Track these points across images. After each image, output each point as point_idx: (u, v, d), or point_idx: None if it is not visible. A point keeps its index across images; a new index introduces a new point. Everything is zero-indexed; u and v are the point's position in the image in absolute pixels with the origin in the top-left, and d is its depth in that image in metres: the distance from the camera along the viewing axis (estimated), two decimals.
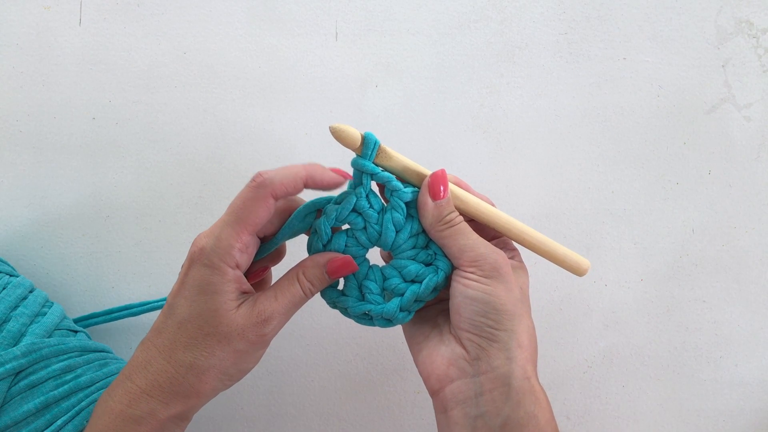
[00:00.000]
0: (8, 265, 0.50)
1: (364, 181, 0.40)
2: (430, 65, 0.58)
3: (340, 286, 0.42)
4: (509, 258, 0.43)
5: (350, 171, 0.41)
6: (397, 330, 0.45)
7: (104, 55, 0.55)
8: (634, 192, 0.60)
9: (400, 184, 0.40)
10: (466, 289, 0.38)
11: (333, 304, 0.42)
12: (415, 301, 0.41)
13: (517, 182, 0.59)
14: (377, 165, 0.40)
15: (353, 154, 0.40)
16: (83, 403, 0.43)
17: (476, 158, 0.58)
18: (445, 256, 0.40)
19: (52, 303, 0.48)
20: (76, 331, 0.48)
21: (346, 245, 0.41)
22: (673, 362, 0.60)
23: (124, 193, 0.55)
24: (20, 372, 0.43)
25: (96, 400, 0.42)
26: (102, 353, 0.48)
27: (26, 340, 0.44)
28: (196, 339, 0.36)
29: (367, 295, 0.41)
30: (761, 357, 0.61)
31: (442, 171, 0.40)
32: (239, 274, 0.37)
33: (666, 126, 0.60)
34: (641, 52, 0.60)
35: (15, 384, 0.42)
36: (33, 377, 0.43)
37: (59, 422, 0.42)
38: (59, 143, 0.55)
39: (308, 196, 0.41)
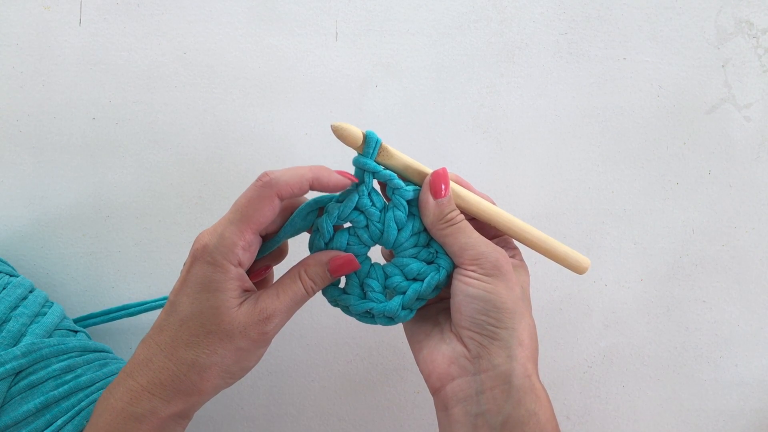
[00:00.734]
0: (8, 265, 0.50)
1: (366, 180, 0.40)
2: (430, 65, 0.58)
3: (342, 285, 0.42)
4: (510, 256, 0.43)
5: (353, 172, 0.41)
6: (398, 330, 0.45)
7: (104, 55, 0.55)
8: (634, 192, 0.60)
9: (401, 182, 0.40)
10: (467, 287, 0.38)
11: (334, 303, 0.42)
12: (417, 299, 0.41)
13: (517, 182, 0.59)
14: (379, 163, 0.40)
15: (353, 154, 0.40)
16: (83, 403, 0.43)
17: (476, 158, 0.58)
18: (447, 255, 0.41)
19: (52, 303, 0.48)
20: (76, 331, 0.48)
21: (348, 243, 0.41)
22: (673, 362, 0.60)
23: (124, 193, 0.55)
24: (20, 372, 0.43)
25: (96, 400, 0.42)
26: (102, 353, 0.48)
27: (26, 340, 0.44)
28: (197, 337, 0.36)
29: (368, 293, 0.41)
30: (761, 357, 0.61)
31: (444, 169, 0.40)
32: (241, 272, 0.37)
33: (666, 126, 0.60)
34: (641, 52, 0.60)
35: (15, 384, 0.42)
36: (33, 377, 0.43)
37: (59, 422, 0.42)
38: (59, 143, 0.55)
39: (310, 194, 0.41)
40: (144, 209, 0.55)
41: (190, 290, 0.37)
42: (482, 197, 0.42)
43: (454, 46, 0.58)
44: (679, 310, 0.60)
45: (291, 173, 0.37)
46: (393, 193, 0.40)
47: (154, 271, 0.56)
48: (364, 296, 0.41)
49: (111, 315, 0.53)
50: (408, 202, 0.41)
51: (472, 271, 0.39)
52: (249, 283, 0.38)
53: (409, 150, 0.44)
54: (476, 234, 0.40)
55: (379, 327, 0.56)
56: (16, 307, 0.46)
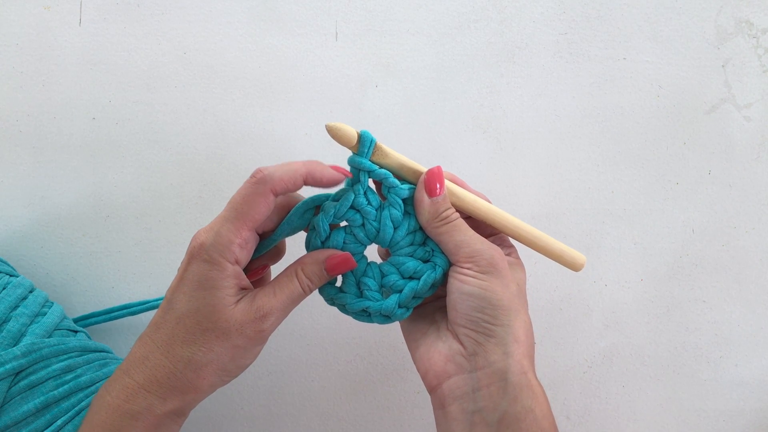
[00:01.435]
0: (8, 265, 0.50)
1: (362, 179, 0.40)
2: (430, 65, 0.58)
3: (338, 283, 0.42)
4: (506, 254, 0.43)
5: (349, 169, 0.41)
6: (397, 330, 0.45)
7: (104, 55, 0.55)
8: (634, 192, 0.60)
9: (397, 181, 0.40)
10: (462, 284, 0.38)
11: (331, 301, 0.42)
12: (413, 297, 0.41)
13: (517, 182, 0.59)
14: (374, 163, 0.40)
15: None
16: (83, 403, 0.43)
17: (476, 158, 0.58)
18: (442, 253, 0.41)
19: (52, 303, 0.48)
20: (76, 331, 0.48)
21: (344, 242, 0.41)
22: (673, 362, 0.60)
23: (124, 193, 0.55)
24: (20, 372, 0.43)
25: None
26: (102, 353, 0.48)
27: (26, 340, 0.44)
28: (194, 334, 0.36)
29: (365, 291, 0.41)
30: (761, 357, 0.61)
31: (438, 168, 0.40)
32: (238, 269, 0.37)
33: (666, 126, 0.60)
34: (641, 52, 0.60)
35: (15, 384, 0.42)
36: (33, 377, 0.43)
37: (59, 422, 0.42)
38: (59, 143, 0.55)
39: (307, 192, 0.41)
40: (144, 209, 0.55)
41: (186, 288, 0.37)
42: (477, 196, 0.43)
43: (454, 46, 0.58)
44: (679, 310, 0.60)
45: (284, 168, 0.37)
46: (388, 191, 0.41)
47: (154, 271, 0.56)
48: (360, 295, 0.41)
49: (111, 314, 0.53)
50: (403, 200, 0.41)
51: (468, 268, 0.39)
52: (246, 281, 0.38)
53: (409, 150, 0.44)
54: (471, 232, 0.40)
55: (379, 327, 0.56)
56: (16, 307, 0.46)
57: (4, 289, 0.46)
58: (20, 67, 0.54)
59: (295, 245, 0.44)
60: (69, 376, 0.44)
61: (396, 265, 0.41)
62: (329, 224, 0.41)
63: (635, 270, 0.60)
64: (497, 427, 0.37)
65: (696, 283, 0.60)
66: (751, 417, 0.61)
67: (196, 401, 0.38)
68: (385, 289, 0.42)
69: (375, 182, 0.42)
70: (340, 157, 0.55)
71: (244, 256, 0.38)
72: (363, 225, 0.41)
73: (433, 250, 0.41)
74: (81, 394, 0.44)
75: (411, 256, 0.41)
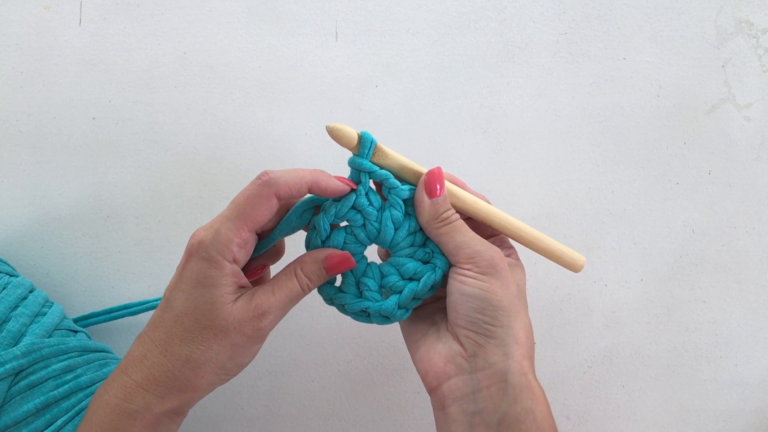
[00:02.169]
0: (8, 265, 0.50)
1: (363, 179, 0.40)
2: (430, 65, 0.58)
3: (338, 283, 0.42)
4: (506, 255, 0.43)
5: (349, 172, 0.41)
6: (397, 330, 0.45)
7: (104, 55, 0.55)
8: (634, 192, 0.60)
9: (397, 182, 0.40)
10: (462, 285, 0.38)
11: (330, 301, 0.42)
12: (413, 298, 0.41)
13: (517, 182, 0.59)
14: (374, 164, 0.40)
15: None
16: (83, 403, 0.43)
17: (476, 158, 0.58)
18: (443, 254, 0.41)
19: (52, 303, 0.48)
20: (76, 331, 0.48)
21: (344, 242, 0.41)
22: (673, 362, 0.60)
23: (124, 193, 0.55)
24: (20, 372, 0.43)
25: None
26: (102, 353, 0.48)
27: (26, 340, 0.44)
28: (192, 332, 0.36)
29: (365, 292, 0.41)
30: (761, 357, 0.61)
31: (438, 169, 0.40)
32: (237, 268, 0.37)
33: (666, 126, 0.60)
34: (641, 52, 0.60)
35: (15, 384, 0.42)
36: (33, 377, 0.43)
37: (59, 422, 0.42)
38: (59, 143, 0.55)
39: None
40: (144, 209, 0.55)
41: (185, 286, 0.37)
42: (477, 197, 0.43)
43: (454, 46, 0.58)
44: (679, 310, 0.60)
45: (291, 174, 0.37)
46: (389, 192, 0.40)
47: (154, 271, 0.56)
48: (360, 295, 0.41)
49: (111, 314, 0.53)
50: (404, 201, 0.41)
51: (468, 269, 0.39)
52: (244, 280, 0.38)
53: (409, 150, 0.44)
54: (471, 233, 0.40)
55: (378, 327, 0.56)
56: (16, 307, 0.46)
57: (4, 289, 0.46)
58: (20, 67, 0.54)
59: (295, 245, 0.44)
60: (69, 376, 0.44)
61: (396, 266, 0.41)
62: (330, 224, 0.41)
63: (635, 270, 0.60)
64: (497, 428, 0.37)
65: (696, 283, 0.60)
66: (751, 417, 0.61)
67: (194, 400, 0.38)
68: (384, 290, 0.42)
69: (375, 183, 0.42)
70: (340, 158, 0.55)
71: (243, 256, 0.38)
72: (364, 225, 0.41)
73: (433, 252, 0.41)
74: (81, 394, 0.44)
75: (411, 257, 0.41)
